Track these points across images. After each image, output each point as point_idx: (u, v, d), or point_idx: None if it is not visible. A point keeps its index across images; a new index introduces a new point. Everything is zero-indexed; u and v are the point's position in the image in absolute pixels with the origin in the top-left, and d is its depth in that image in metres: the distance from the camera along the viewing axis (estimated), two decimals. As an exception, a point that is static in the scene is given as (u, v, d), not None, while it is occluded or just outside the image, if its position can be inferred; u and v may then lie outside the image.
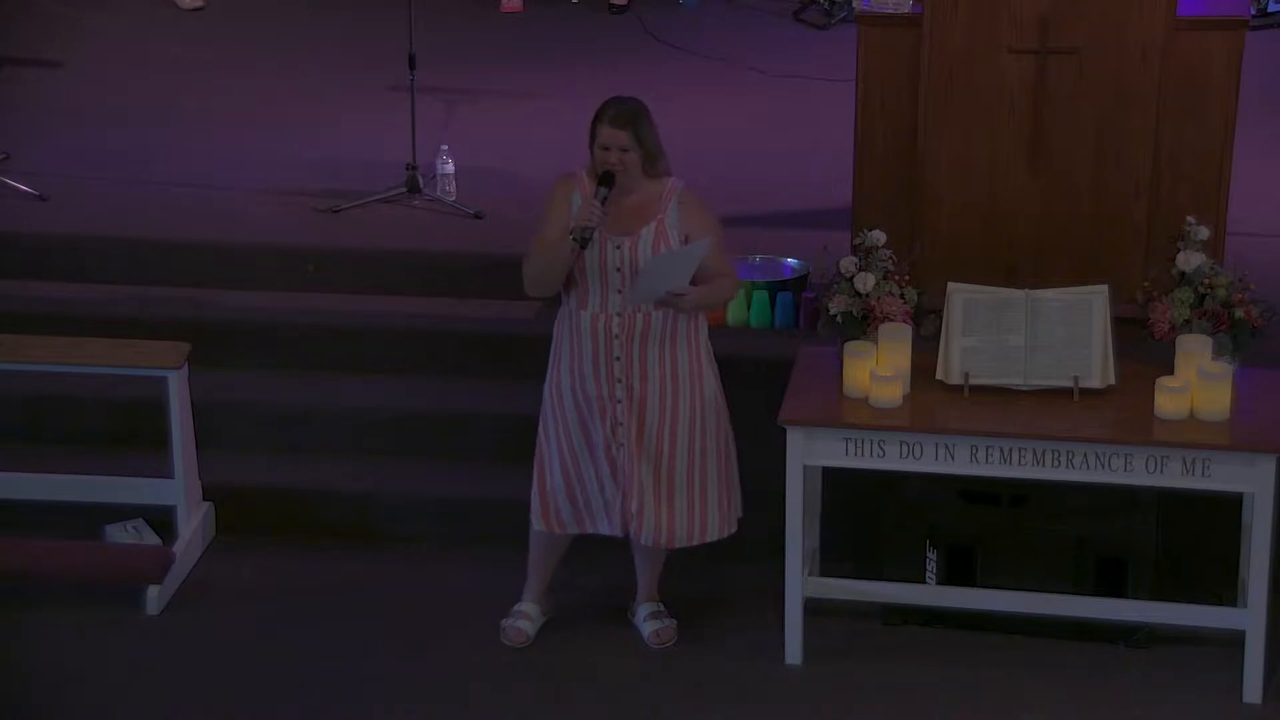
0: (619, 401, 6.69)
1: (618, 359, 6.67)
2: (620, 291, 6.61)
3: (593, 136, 6.64)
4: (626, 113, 6.63)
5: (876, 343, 6.85)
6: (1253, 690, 6.69)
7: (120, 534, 7.59)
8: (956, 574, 7.03)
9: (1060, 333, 6.78)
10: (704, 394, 6.77)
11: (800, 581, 6.84)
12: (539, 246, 6.66)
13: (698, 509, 6.83)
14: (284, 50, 10.67)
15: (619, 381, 6.68)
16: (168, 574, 7.27)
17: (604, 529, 6.84)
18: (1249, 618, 6.66)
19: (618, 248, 6.60)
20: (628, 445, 6.70)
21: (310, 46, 10.72)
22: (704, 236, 6.64)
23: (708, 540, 6.88)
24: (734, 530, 6.93)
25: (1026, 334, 6.78)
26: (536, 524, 6.90)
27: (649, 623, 7.04)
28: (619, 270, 6.60)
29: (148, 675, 6.90)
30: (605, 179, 6.58)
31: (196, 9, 11.18)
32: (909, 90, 7.35)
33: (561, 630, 7.10)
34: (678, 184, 6.72)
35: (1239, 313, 6.86)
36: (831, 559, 7.20)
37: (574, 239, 6.53)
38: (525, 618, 7.04)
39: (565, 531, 6.90)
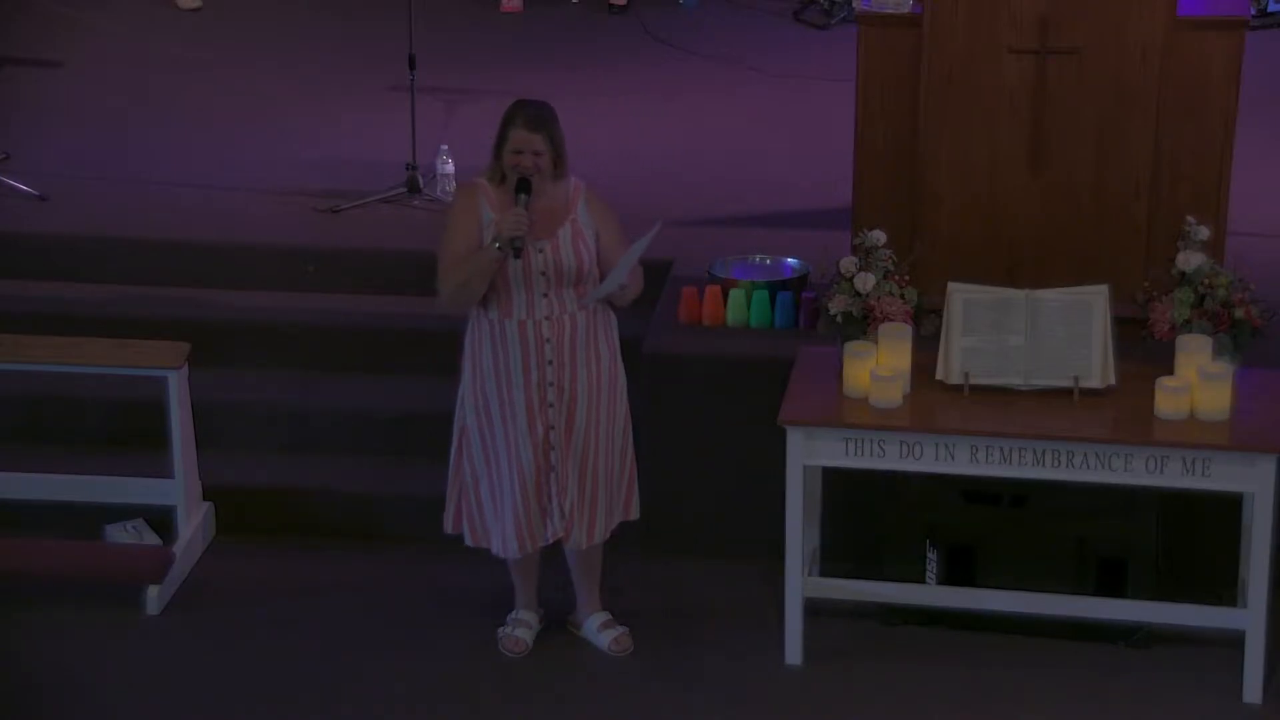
0: (550, 406, 6.68)
1: (550, 363, 6.65)
2: (546, 296, 6.59)
3: (502, 140, 6.58)
4: (540, 116, 6.58)
5: (876, 343, 6.85)
6: (1253, 690, 6.70)
7: (120, 534, 7.60)
8: (956, 574, 7.04)
9: (1060, 333, 6.78)
10: (621, 387, 6.82)
11: (800, 581, 6.85)
12: (454, 261, 6.58)
13: (617, 502, 6.88)
14: (284, 50, 10.69)
15: (551, 386, 6.66)
16: (168, 574, 7.28)
17: (507, 551, 6.83)
18: (1249, 618, 6.66)
19: (540, 252, 6.58)
20: (559, 448, 6.71)
21: (310, 46, 10.75)
22: (613, 232, 6.69)
23: (611, 528, 6.91)
24: (638, 515, 6.99)
25: (1027, 334, 6.78)
26: (496, 547, 6.87)
27: (605, 632, 7.02)
28: (544, 274, 6.58)
29: (148, 675, 6.91)
30: (523, 185, 6.54)
31: (194, 9, 11.21)
32: (909, 90, 7.34)
33: (560, 632, 7.11)
34: (579, 183, 6.71)
35: (1239, 312, 6.85)
36: (831, 559, 7.20)
37: (505, 249, 6.48)
38: (524, 625, 7.04)
39: (506, 553, 6.85)
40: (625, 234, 6.72)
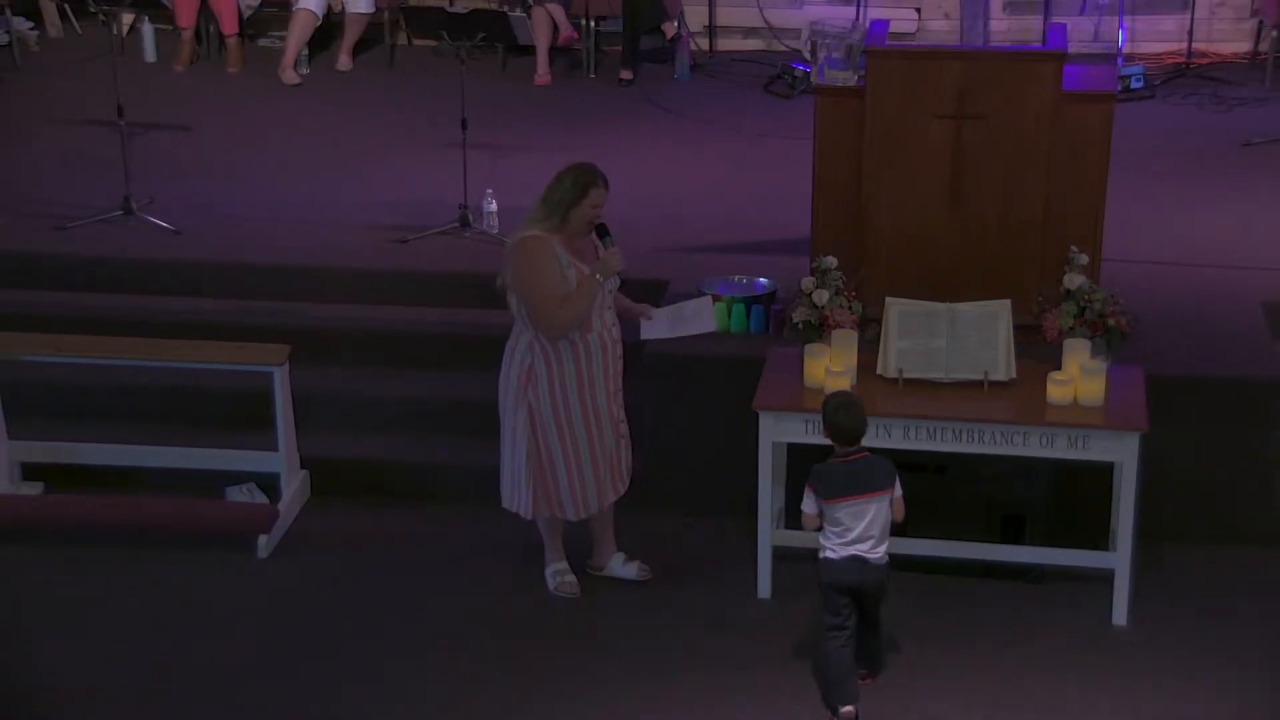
0: (619, 391, 6.76)
1: (619, 358, 6.73)
2: (610, 309, 6.67)
3: (582, 198, 6.49)
4: (606, 179, 6.62)
5: (830, 345, 6.86)
6: (1120, 614, 6.75)
7: (237, 494, 7.66)
8: (892, 527, 6.99)
9: (974, 337, 6.79)
10: None
11: (770, 532, 6.86)
12: (558, 299, 6.46)
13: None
14: (365, 116, 10.63)
15: (619, 376, 6.75)
16: (274, 526, 7.33)
17: (588, 511, 6.86)
18: (1118, 559, 6.70)
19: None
20: (624, 423, 6.80)
21: (384, 113, 10.68)
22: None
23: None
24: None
25: (948, 338, 6.79)
26: (571, 515, 6.81)
27: (629, 565, 7.03)
28: (608, 294, 6.69)
29: (260, 604, 6.99)
30: (603, 230, 6.62)
31: (296, 84, 11.25)
32: (855, 146, 7.29)
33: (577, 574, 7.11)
34: None
35: (1112, 321, 6.88)
36: (794, 515, 6.99)
37: (607, 279, 6.58)
38: (569, 572, 7.00)
39: (583, 516, 6.85)
40: None
